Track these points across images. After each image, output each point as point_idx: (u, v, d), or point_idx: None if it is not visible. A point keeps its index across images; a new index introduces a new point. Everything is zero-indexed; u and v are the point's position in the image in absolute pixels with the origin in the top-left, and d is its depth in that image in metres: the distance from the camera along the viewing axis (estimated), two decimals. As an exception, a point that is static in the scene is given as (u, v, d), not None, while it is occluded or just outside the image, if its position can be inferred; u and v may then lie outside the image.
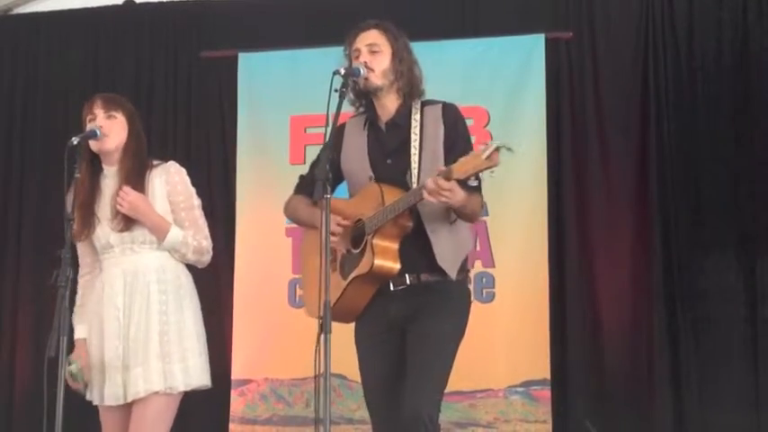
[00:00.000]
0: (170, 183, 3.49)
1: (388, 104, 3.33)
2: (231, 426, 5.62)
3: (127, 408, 3.40)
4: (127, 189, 3.38)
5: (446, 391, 3.24)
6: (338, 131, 3.33)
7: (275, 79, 5.90)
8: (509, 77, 5.63)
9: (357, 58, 3.30)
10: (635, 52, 5.57)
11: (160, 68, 6.16)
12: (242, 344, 5.68)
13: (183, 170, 3.55)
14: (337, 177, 3.33)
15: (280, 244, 5.66)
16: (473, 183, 2.96)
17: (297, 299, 5.62)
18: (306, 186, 3.44)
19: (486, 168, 2.88)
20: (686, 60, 5.49)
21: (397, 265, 3.16)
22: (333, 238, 3.20)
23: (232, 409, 5.62)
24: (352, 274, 3.22)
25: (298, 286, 5.59)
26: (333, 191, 3.27)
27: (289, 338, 5.46)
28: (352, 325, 3.38)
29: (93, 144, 3.44)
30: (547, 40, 5.60)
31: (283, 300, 5.65)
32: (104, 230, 3.45)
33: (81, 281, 3.52)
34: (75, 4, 6.30)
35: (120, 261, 3.44)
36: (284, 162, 5.77)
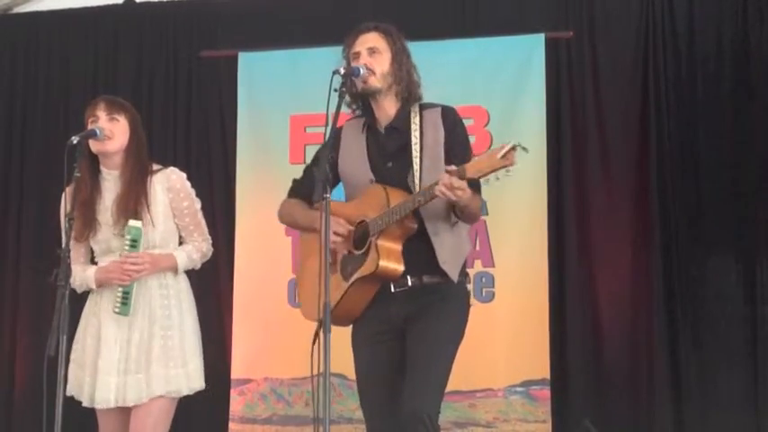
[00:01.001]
0: (172, 190, 3.51)
1: (387, 108, 3.33)
2: (231, 425, 5.62)
3: (125, 410, 3.41)
4: (130, 257, 3.37)
5: (446, 390, 3.24)
6: (335, 135, 3.33)
7: (275, 79, 5.90)
8: (509, 77, 5.62)
9: (356, 60, 3.30)
10: (635, 52, 5.56)
11: (160, 68, 6.15)
12: (242, 343, 5.68)
13: (184, 175, 3.57)
14: (335, 179, 3.34)
15: (280, 243, 5.65)
16: (485, 182, 2.96)
17: (296, 299, 5.60)
18: (299, 190, 3.45)
19: (502, 168, 2.91)
20: (686, 59, 5.48)
21: (401, 267, 3.17)
22: (336, 239, 3.22)
23: (232, 408, 5.62)
24: (356, 275, 3.22)
25: (297, 286, 5.59)
26: (331, 192, 3.32)
27: (288, 338, 5.45)
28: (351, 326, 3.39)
29: (93, 145, 3.44)
30: (547, 40, 5.59)
31: (283, 299, 5.65)
32: (105, 235, 3.46)
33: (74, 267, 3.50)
34: (74, 3, 6.29)
35: None
36: (284, 161, 5.76)
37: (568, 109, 5.61)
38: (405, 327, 3.23)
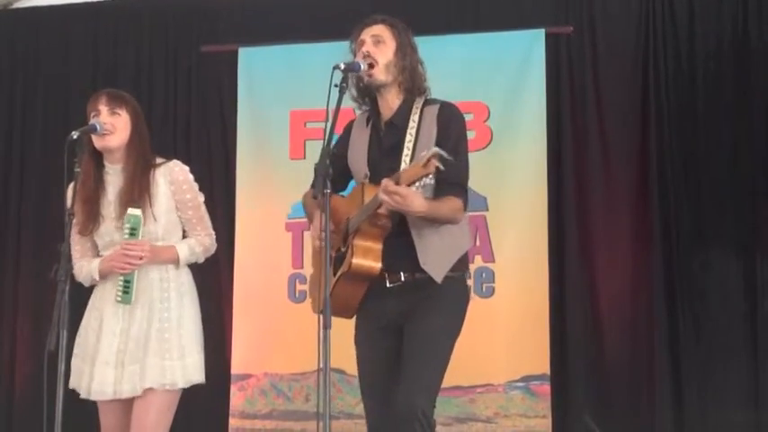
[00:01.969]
0: (175, 182, 3.50)
1: (390, 101, 3.33)
2: (231, 420, 5.63)
3: (127, 403, 3.41)
4: (129, 245, 3.38)
5: (446, 385, 3.25)
6: (347, 127, 3.35)
7: (275, 74, 5.90)
8: (509, 72, 5.62)
9: (361, 47, 3.30)
10: (635, 47, 5.56)
11: (160, 63, 6.15)
12: (242, 338, 5.68)
13: (186, 168, 3.57)
14: (347, 173, 3.38)
15: (280, 238, 5.66)
16: (422, 187, 2.96)
17: (297, 294, 5.62)
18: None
19: (424, 175, 2.90)
20: (686, 54, 5.48)
21: (377, 265, 3.17)
22: (316, 242, 3.26)
23: (232, 403, 5.63)
24: (339, 273, 3.24)
25: (298, 281, 5.60)
26: (345, 187, 3.38)
27: (288, 333, 5.47)
28: (353, 321, 3.39)
29: (95, 141, 3.44)
30: (547, 35, 5.59)
31: (283, 294, 5.65)
32: (108, 228, 3.46)
33: (80, 261, 3.52)
34: (74, -3, 6.31)
35: None
36: (284, 157, 5.76)
37: (568, 104, 5.61)
38: (402, 322, 3.23)
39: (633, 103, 5.53)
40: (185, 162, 3.61)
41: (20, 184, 6.20)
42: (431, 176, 2.90)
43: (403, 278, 3.21)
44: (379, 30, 3.33)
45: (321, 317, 2.83)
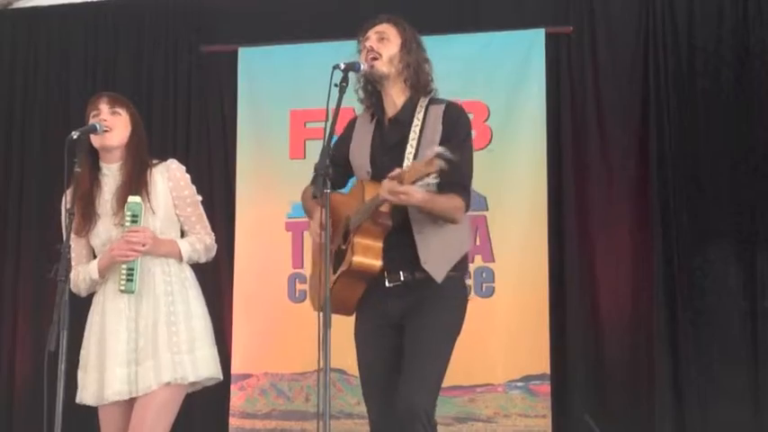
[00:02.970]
0: (173, 179, 3.51)
1: (395, 98, 3.34)
2: (231, 420, 5.63)
3: (129, 403, 3.40)
4: (131, 232, 3.36)
5: (446, 385, 3.25)
6: (349, 125, 3.35)
7: (275, 74, 5.90)
8: (509, 72, 5.62)
9: (365, 42, 3.31)
10: (635, 47, 5.56)
11: (160, 63, 6.15)
12: (242, 338, 5.68)
13: (183, 167, 3.57)
14: (348, 171, 3.37)
15: (280, 238, 5.66)
16: (425, 186, 2.95)
17: (297, 293, 5.62)
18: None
19: (427, 174, 2.89)
20: (687, 55, 5.48)
21: (377, 263, 3.17)
22: (316, 239, 3.24)
23: (232, 403, 5.63)
24: (339, 270, 3.24)
25: (298, 281, 5.60)
26: (345, 184, 3.37)
27: (289, 333, 5.47)
28: (353, 320, 3.39)
29: (95, 140, 3.45)
30: (547, 35, 5.59)
31: (283, 294, 5.65)
32: (106, 226, 3.46)
33: (76, 268, 3.49)
34: (74, -3, 6.31)
35: None
36: (284, 156, 5.77)
37: (568, 104, 5.61)
38: (402, 321, 3.24)
39: (633, 102, 5.53)
40: (185, 162, 3.63)
41: (20, 184, 6.20)
42: (434, 176, 2.89)
43: (402, 277, 3.22)
44: (384, 27, 3.35)
45: (321, 316, 2.83)
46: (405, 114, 3.31)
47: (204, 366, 3.44)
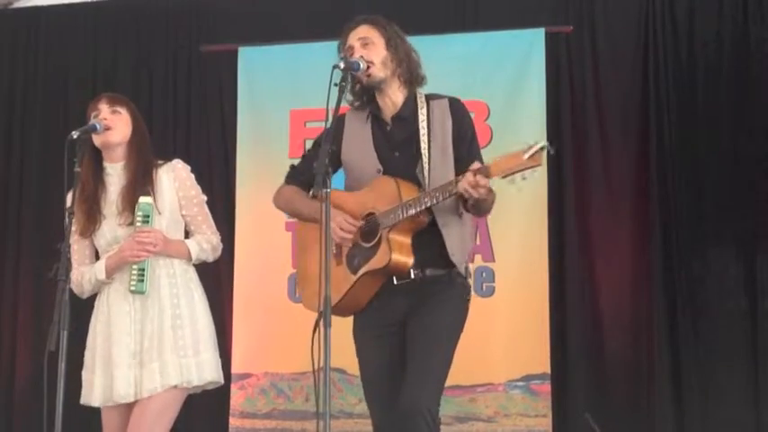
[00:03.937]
0: (179, 179, 3.51)
1: (393, 97, 3.33)
2: (231, 420, 5.63)
3: (132, 405, 3.38)
4: (143, 232, 3.35)
5: (446, 385, 3.24)
6: (338, 122, 3.32)
7: (275, 73, 5.90)
8: (509, 71, 5.62)
9: (352, 55, 3.30)
10: (635, 46, 5.57)
11: (160, 62, 6.15)
12: (242, 338, 5.68)
13: (189, 167, 3.58)
14: (335, 168, 3.32)
15: (279, 238, 5.65)
16: (510, 182, 2.94)
17: (297, 293, 5.61)
18: (298, 177, 3.44)
19: (529, 168, 2.87)
20: (687, 53, 5.48)
21: (410, 260, 3.17)
22: (345, 235, 3.21)
23: (232, 403, 5.63)
24: (364, 269, 3.22)
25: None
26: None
27: (289, 333, 5.45)
28: (351, 319, 3.39)
29: (96, 139, 3.45)
30: (547, 34, 5.59)
31: (283, 294, 5.65)
32: (111, 225, 3.45)
33: (79, 269, 3.49)
34: (74, -3, 6.31)
35: None
36: (284, 156, 5.75)
37: (568, 103, 5.61)
38: (405, 319, 3.23)
39: (633, 101, 5.53)
40: (185, 162, 3.62)
41: (20, 184, 6.21)
42: (536, 169, 2.87)
43: (412, 275, 3.20)
44: (365, 31, 3.33)
45: (321, 311, 2.83)
46: (408, 111, 3.31)
47: (208, 370, 3.43)
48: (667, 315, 5.30)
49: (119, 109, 3.50)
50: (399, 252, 3.15)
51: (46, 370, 2.96)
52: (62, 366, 3.05)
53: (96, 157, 3.50)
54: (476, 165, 3.01)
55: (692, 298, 5.30)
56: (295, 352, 5.38)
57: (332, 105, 3.05)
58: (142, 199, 3.38)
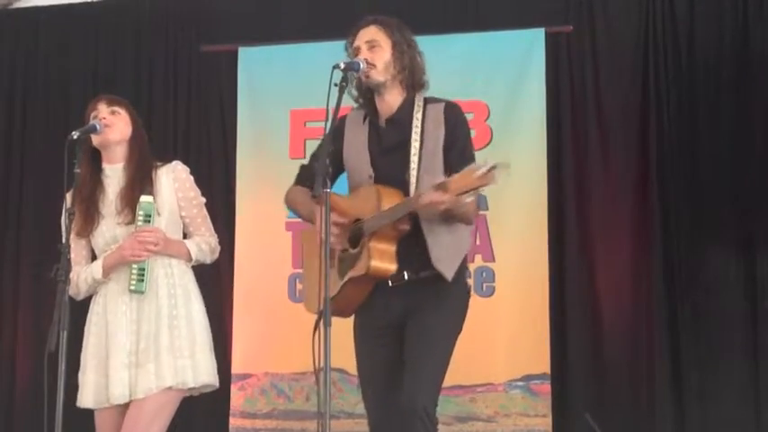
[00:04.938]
0: (179, 180, 3.52)
1: (391, 100, 3.32)
2: (231, 420, 5.63)
3: (126, 406, 3.38)
4: (144, 231, 3.35)
5: (446, 385, 3.24)
6: (339, 123, 3.33)
7: (275, 73, 5.90)
8: (509, 72, 5.63)
9: (357, 54, 3.30)
10: (635, 46, 5.56)
11: (160, 63, 6.15)
12: (242, 338, 5.68)
13: (188, 169, 3.58)
14: (338, 169, 3.33)
15: (280, 238, 5.66)
16: (468, 198, 2.94)
17: (297, 293, 5.62)
18: (306, 177, 3.44)
19: (480, 187, 2.87)
20: (687, 53, 5.48)
21: (393, 266, 3.17)
22: (333, 230, 3.20)
23: (232, 403, 5.63)
24: (349, 275, 3.23)
25: (298, 281, 5.60)
26: (333, 183, 3.28)
27: (289, 333, 5.45)
28: (351, 319, 3.39)
29: (95, 138, 3.45)
30: (547, 34, 5.59)
31: (283, 294, 5.66)
32: (109, 225, 3.45)
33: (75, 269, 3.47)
34: (75, -3, 6.31)
35: None
36: (284, 156, 5.77)
37: (568, 103, 5.61)
38: (403, 320, 3.23)
39: (633, 102, 5.53)
40: (185, 162, 3.63)
41: (20, 184, 6.20)
42: (483, 188, 2.86)
43: (406, 277, 3.21)
44: (373, 33, 3.32)
45: (320, 311, 2.83)
46: (402, 115, 3.30)
47: (204, 372, 3.43)
48: (667, 315, 5.29)
49: (117, 109, 3.51)
50: (380, 259, 3.15)
51: (46, 370, 2.96)
52: (62, 367, 3.05)
53: (95, 158, 3.51)
54: (439, 179, 3.00)
55: (692, 297, 5.30)
56: (295, 352, 5.40)
57: (332, 105, 3.05)
58: (143, 198, 3.38)
